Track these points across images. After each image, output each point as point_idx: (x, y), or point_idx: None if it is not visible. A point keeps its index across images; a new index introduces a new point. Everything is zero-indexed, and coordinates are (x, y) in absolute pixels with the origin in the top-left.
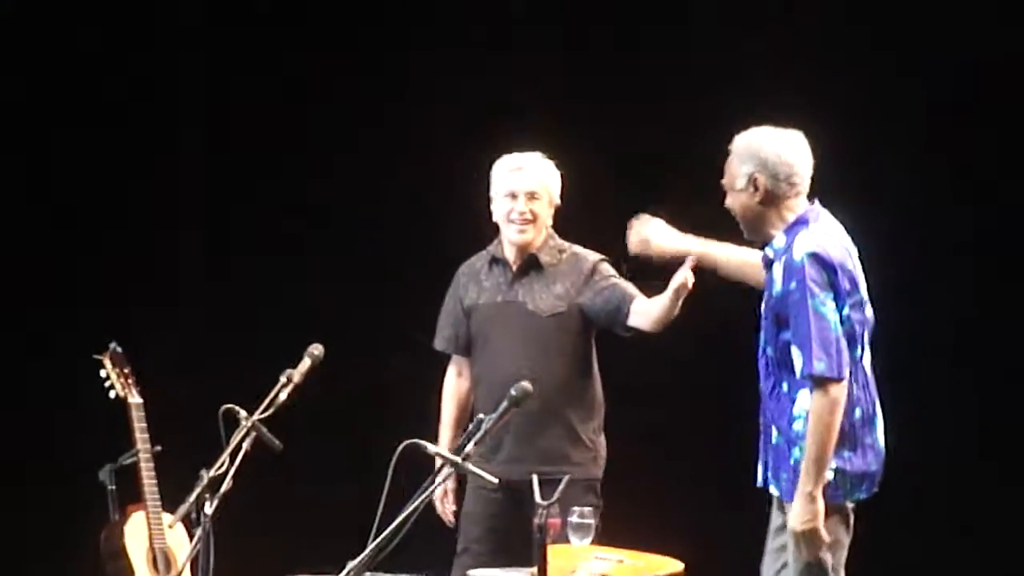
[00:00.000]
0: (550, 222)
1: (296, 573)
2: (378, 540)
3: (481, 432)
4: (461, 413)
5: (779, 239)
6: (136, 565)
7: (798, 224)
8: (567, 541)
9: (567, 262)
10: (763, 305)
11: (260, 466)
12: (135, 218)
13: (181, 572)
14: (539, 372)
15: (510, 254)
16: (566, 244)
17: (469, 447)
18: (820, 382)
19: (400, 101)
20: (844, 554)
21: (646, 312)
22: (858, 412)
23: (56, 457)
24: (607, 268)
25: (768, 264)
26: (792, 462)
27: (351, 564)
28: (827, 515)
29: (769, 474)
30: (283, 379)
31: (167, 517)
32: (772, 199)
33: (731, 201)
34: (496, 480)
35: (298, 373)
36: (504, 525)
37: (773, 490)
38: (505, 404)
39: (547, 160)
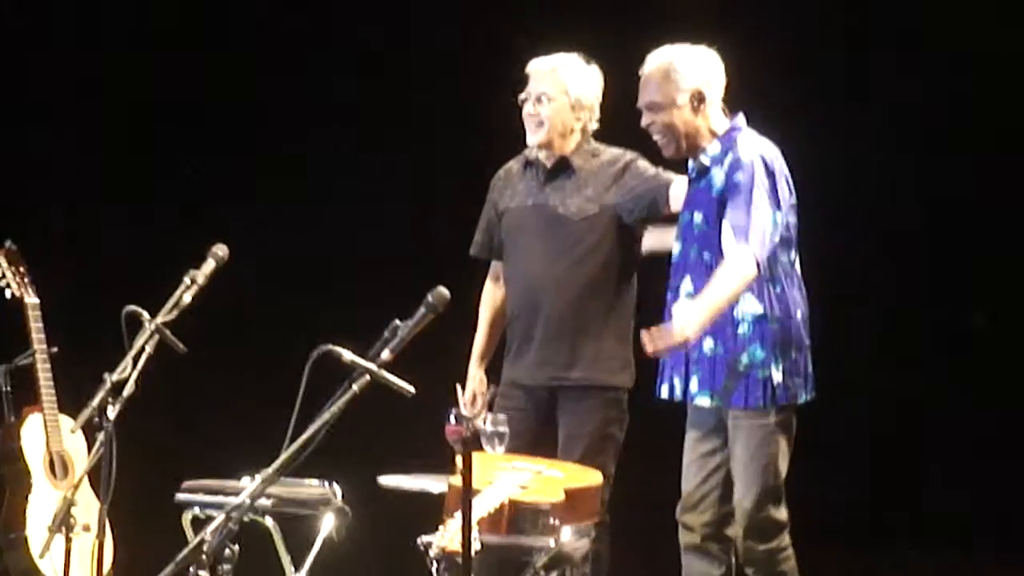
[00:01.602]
0: (578, 124)
1: (204, 479)
2: (292, 449)
3: (397, 338)
4: (496, 316)
5: (714, 147)
6: (33, 468)
7: (732, 131)
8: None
9: (600, 164)
10: (692, 214)
11: (166, 369)
12: (31, 115)
13: (80, 479)
14: (567, 276)
15: (543, 156)
16: (603, 147)
17: (384, 353)
18: (748, 259)
19: None
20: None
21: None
22: (799, 314)
23: None
24: (641, 165)
25: (702, 172)
26: (742, 368)
27: (263, 472)
28: (778, 417)
29: (695, 385)
30: (187, 280)
31: (65, 420)
32: (705, 113)
33: (664, 118)
34: (412, 389)
35: (202, 274)
36: (530, 433)
37: (704, 401)
38: (421, 311)
39: (572, 62)
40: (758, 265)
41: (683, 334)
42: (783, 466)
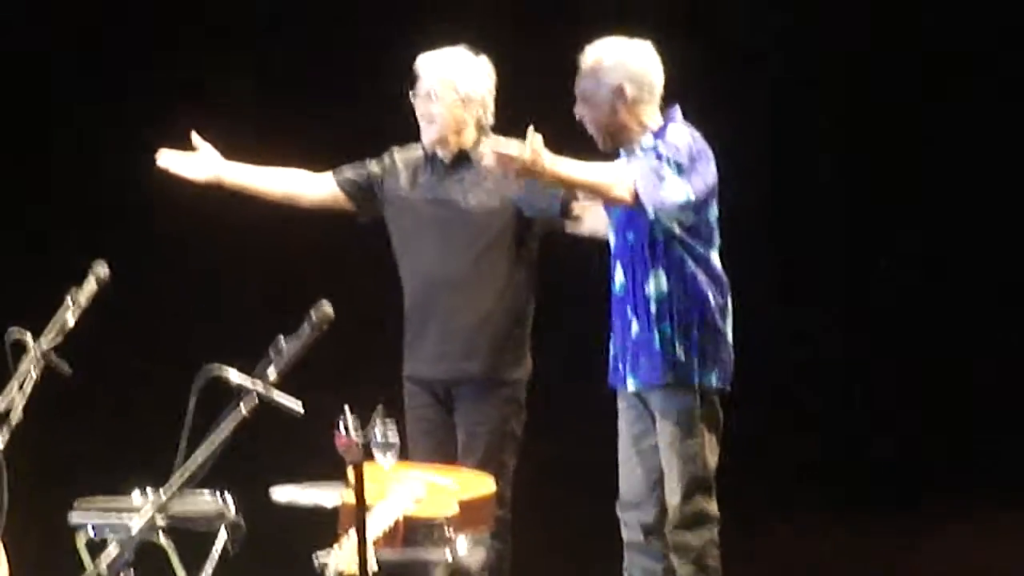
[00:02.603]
0: (471, 119)
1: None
2: (184, 468)
3: (283, 357)
4: (281, 178)
5: (647, 139)
6: None
7: (666, 123)
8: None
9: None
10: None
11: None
12: None
13: None
14: (466, 270)
15: (440, 152)
16: (502, 139)
17: (271, 372)
18: (627, 177)
19: None
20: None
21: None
22: (711, 301)
23: None
24: None
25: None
26: (657, 347)
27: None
28: (702, 409)
29: (625, 370)
30: (68, 301)
31: None
32: (634, 108)
33: (591, 112)
34: (300, 409)
35: (83, 295)
36: (439, 431)
37: (632, 384)
38: (306, 328)
39: (459, 57)
40: (636, 196)
41: (524, 153)
42: (711, 457)
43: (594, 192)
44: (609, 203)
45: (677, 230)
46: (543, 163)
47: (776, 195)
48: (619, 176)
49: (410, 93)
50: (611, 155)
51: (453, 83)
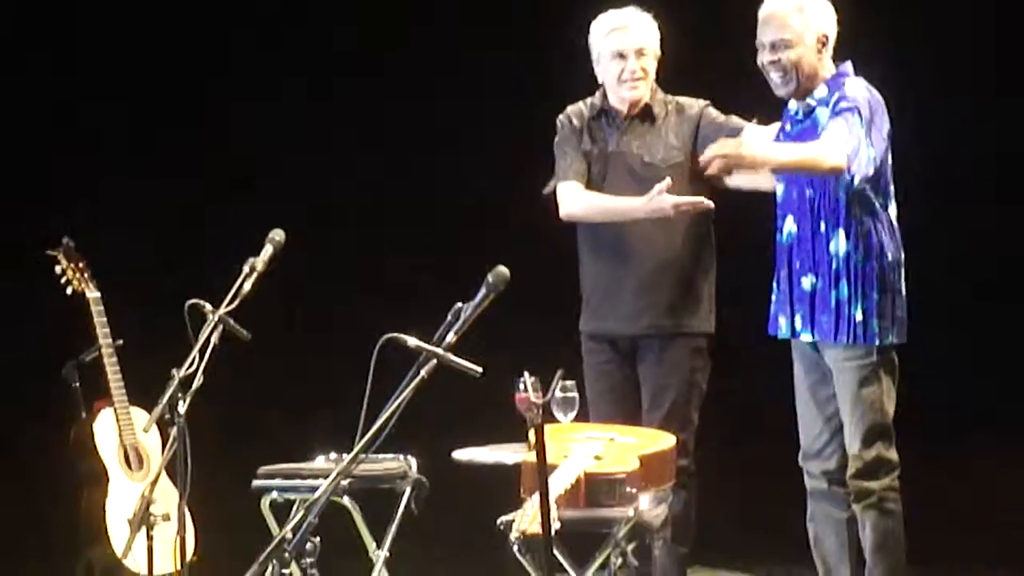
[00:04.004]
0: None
1: (279, 463)
2: (369, 432)
3: (461, 321)
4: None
5: (821, 90)
6: (108, 463)
7: (839, 76)
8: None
9: (674, 113)
10: None
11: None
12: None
13: (157, 476)
14: (656, 224)
15: (620, 106)
16: (671, 96)
17: (449, 336)
18: (839, 149)
19: None
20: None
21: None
22: (889, 256)
23: (21, 354)
24: (714, 112)
25: (808, 113)
26: (833, 304)
27: (339, 463)
28: (879, 357)
29: (799, 322)
30: (246, 268)
31: (136, 412)
32: (826, 57)
33: (795, 56)
34: (480, 370)
35: (261, 261)
36: (623, 386)
37: (807, 336)
38: (483, 291)
39: (645, 13)
40: (848, 166)
41: (738, 150)
42: (889, 406)
43: (806, 169)
44: (823, 175)
45: (861, 186)
46: (747, 154)
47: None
48: (827, 147)
49: (605, 52)
50: (775, 103)
51: (654, 40)
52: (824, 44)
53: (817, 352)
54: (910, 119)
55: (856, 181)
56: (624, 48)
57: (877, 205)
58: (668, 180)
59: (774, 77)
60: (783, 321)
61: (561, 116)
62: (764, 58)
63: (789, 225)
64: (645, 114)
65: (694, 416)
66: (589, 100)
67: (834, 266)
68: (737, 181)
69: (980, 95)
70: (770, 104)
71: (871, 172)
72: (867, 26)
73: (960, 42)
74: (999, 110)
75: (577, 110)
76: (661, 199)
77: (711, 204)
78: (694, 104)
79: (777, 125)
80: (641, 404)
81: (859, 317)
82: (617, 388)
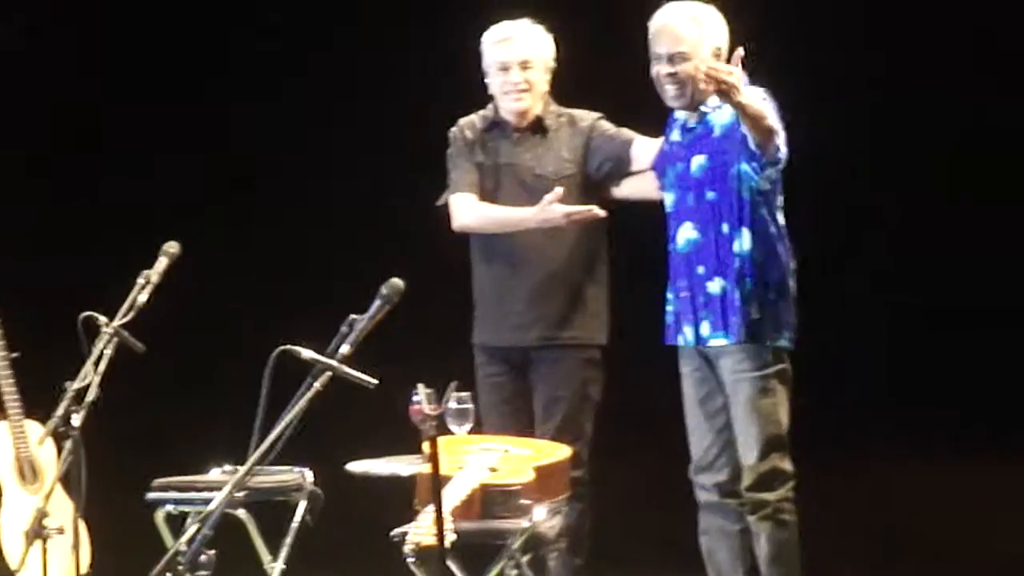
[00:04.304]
0: (546, 88)
1: (172, 476)
2: (263, 445)
3: (355, 332)
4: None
5: (714, 99)
6: (3, 476)
7: None
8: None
9: (566, 125)
10: (689, 161)
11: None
12: None
13: (52, 488)
14: (548, 237)
15: (511, 118)
16: (563, 109)
17: (343, 348)
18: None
19: None
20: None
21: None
22: (783, 259)
23: None
24: (605, 124)
25: (700, 119)
26: (739, 304)
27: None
28: (775, 367)
29: (707, 328)
30: (141, 280)
31: (30, 424)
32: None
33: (689, 69)
34: (374, 381)
35: (155, 273)
36: (515, 399)
37: (719, 341)
38: (377, 303)
39: (536, 25)
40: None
41: (738, 82)
42: (784, 416)
43: (761, 124)
44: (765, 138)
45: (765, 186)
46: (742, 90)
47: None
48: (779, 130)
49: (492, 63)
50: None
51: (542, 52)
52: (718, 56)
53: (709, 364)
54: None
55: (782, 155)
56: (507, 60)
57: (776, 208)
58: (560, 189)
59: (669, 89)
60: (688, 330)
61: (454, 128)
62: (660, 70)
63: (686, 232)
64: (537, 126)
65: (587, 427)
66: (482, 112)
67: (737, 265)
68: (626, 191)
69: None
70: (662, 113)
71: (785, 157)
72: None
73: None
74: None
75: (469, 122)
76: (552, 208)
77: (603, 213)
78: (586, 116)
79: (662, 139)
80: (534, 415)
81: (758, 316)
82: (510, 400)
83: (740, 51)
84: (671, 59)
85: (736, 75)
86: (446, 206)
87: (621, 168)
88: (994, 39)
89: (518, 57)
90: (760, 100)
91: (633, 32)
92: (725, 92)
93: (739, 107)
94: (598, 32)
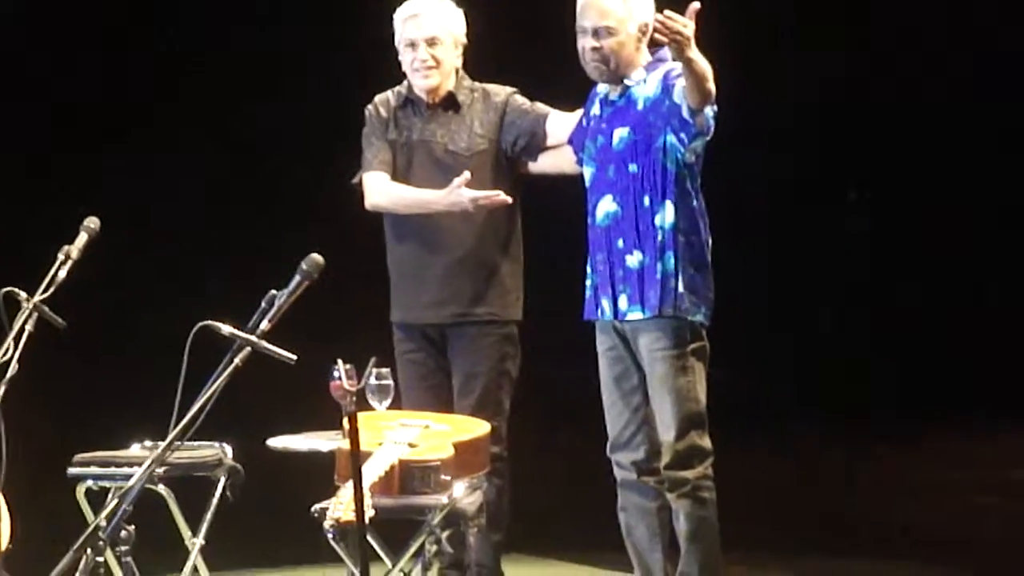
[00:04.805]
0: (459, 63)
1: (93, 451)
2: (183, 421)
3: (275, 308)
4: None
5: (639, 73)
6: None
7: (658, 61)
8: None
9: (480, 100)
10: (611, 134)
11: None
12: None
13: None
14: (459, 216)
15: (423, 95)
16: (477, 84)
17: (264, 324)
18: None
19: None
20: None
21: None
22: (703, 234)
23: None
24: (519, 99)
25: (622, 93)
26: (660, 276)
27: (152, 450)
28: (692, 344)
29: (624, 302)
30: (61, 256)
31: None
32: (641, 47)
33: (614, 44)
34: (294, 357)
35: (75, 249)
36: (433, 375)
37: (636, 315)
38: (297, 278)
39: (446, 1)
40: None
41: (691, 35)
42: (702, 393)
43: (703, 84)
44: (703, 100)
45: (691, 159)
46: (694, 50)
47: None
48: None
49: (401, 40)
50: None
51: (451, 28)
52: (644, 33)
53: (625, 342)
54: None
55: (711, 125)
56: (414, 37)
57: (698, 183)
58: (467, 174)
59: (591, 63)
60: (606, 303)
61: (369, 106)
62: (585, 43)
63: (606, 205)
64: (449, 102)
65: (505, 403)
66: (396, 89)
67: (660, 238)
68: (542, 166)
69: None
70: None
71: (712, 128)
72: None
73: None
74: None
75: (384, 99)
76: (459, 193)
77: (508, 199)
78: (500, 91)
79: (580, 112)
80: (453, 392)
81: (680, 289)
82: (428, 376)
83: (695, 4)
84: (596, 33)
85: (690, 29)
86: (361, 184)
87: (536, 143)
88: None
89: (425, 34)
90: (705, 61)
91: (558, 6)
92: (678, 44)
93: (688, 62)
94: (523, 5)
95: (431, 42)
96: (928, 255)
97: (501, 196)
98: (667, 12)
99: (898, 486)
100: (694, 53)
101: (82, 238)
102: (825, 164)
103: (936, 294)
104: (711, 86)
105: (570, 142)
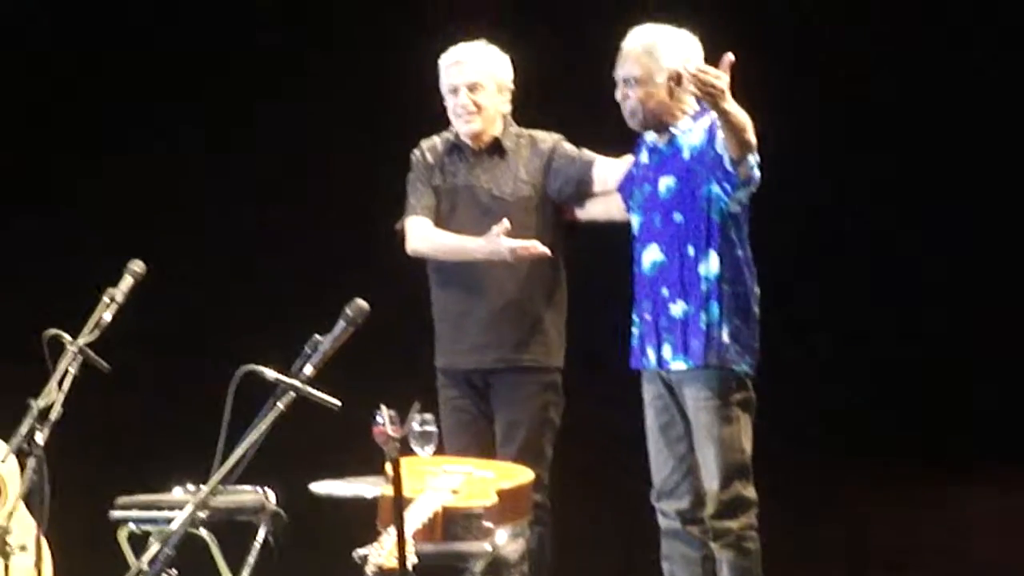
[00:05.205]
0: (506, 108)
1: (136, 495)
2: (225, 465)
3: (318, 353)
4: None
5: (685, 123)
6: None
7: (704, 110)
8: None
9: (526, 147)
10: (656, 183)
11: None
12: None
13: (15, 506)
14: (502, 263)
15: (468, 140)
16: (524, 130)
17: (307, 369)
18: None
19: None
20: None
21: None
22: (750, 284)
23: None
24: (567, 146)
25: (669, 142)
26: (703, 326)
27: (195, 495)
28: (738, 395)
29: (668, 351)
30: (106, 299)
31: None
32: (683, 94)
33: (644, 94)
34: (338, 403)
35: (120, 292)
36: (476, 422)
37: (680, 365)
38: (341, 324)
39: (490, 47)
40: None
41: (726, 88)
42: (747, 443)
43: (742, 135)
44: (743, 152)
45: (736, 209)
46: (729, 102)
47: None
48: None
49: (444, 86)
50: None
51: (494, 73)
52: (677, 82)
53: (671, 391)
54: None
55: (755, 175)
56: (456, 82)
57: (744, 234)
58: (505, 222)
59: (625, 113)
60: (651, 353)
61: (415, 150)
62: (616, 93)
63: (652, 254)
64: (495, 148)
65: (548, 451)
66: (444, 134)
67: (704, 288)
68: (591, 212)
69: None
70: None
71: (757, 178)
72: None
73: None
74: None
75: (431, 144)
76: (498, 241)
77: (547, 251)
78: (547, 138)
79: (629, 157)
80: (495, 438)
81: (725, 340)
82: (471, 423)
83: (729, 56)
84: (625, 83)
85: (724, 81)
86: (404, 230)
87: (583, 190)
88: None
89: (467, 79)
90: (743, 112)
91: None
92: (712, 97)
93: (724, 114)
94: (572, 51)
95: (472, 87)
96: None
97: (540, 248)
98: (699, 65)
99: None
100: (730, 105)
101: (126, 281)
102: None
103: None
104: (750, 137)
105: (620, 190)
